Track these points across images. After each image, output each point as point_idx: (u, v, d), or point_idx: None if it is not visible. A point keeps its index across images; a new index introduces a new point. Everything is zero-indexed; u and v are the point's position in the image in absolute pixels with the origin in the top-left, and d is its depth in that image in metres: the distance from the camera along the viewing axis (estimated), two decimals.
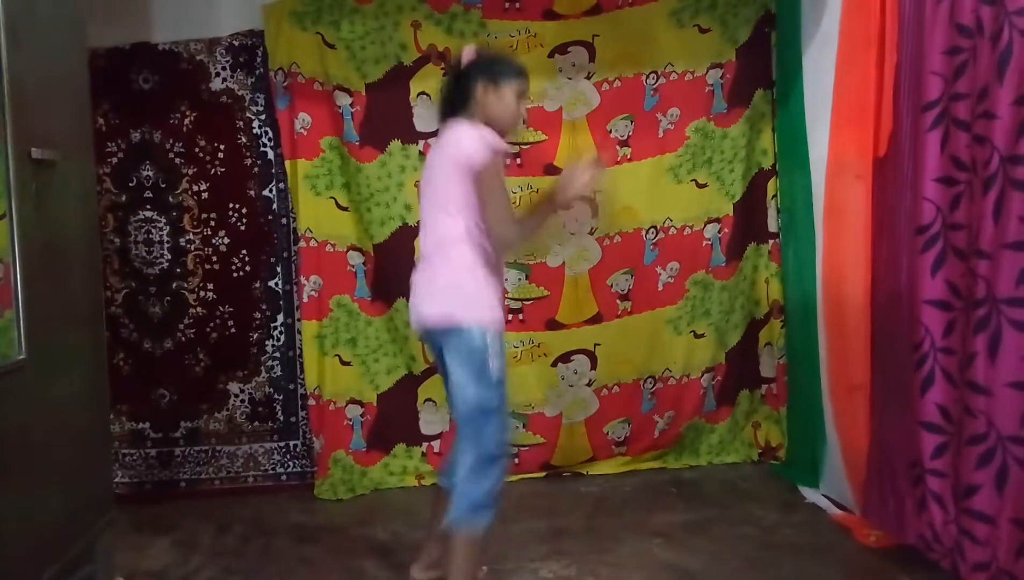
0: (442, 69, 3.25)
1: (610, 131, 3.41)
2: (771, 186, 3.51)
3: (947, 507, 2.35)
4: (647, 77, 3.41)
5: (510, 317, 3.37)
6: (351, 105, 3.31)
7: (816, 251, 3.15)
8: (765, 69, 3.45)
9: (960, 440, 2.26)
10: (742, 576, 2.52)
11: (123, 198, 3.33)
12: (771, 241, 3.54)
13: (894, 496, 2.56)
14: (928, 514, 2.39)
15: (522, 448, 3.46)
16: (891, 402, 2.57)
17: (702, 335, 3.55)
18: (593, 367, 3.49)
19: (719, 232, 3.51)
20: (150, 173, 3.34)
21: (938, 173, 2.33)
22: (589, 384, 3.50)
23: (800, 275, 3.27)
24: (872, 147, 2.63)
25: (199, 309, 3.39)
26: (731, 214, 3.50)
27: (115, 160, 3.32)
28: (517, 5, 3.35)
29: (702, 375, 3.57)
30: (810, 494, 3.14)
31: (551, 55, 3.36)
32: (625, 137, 3.42)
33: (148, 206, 3.35)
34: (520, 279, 3.41)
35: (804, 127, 3.20)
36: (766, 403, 3.62)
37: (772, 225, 3.53)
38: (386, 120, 3.33)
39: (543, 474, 3.49)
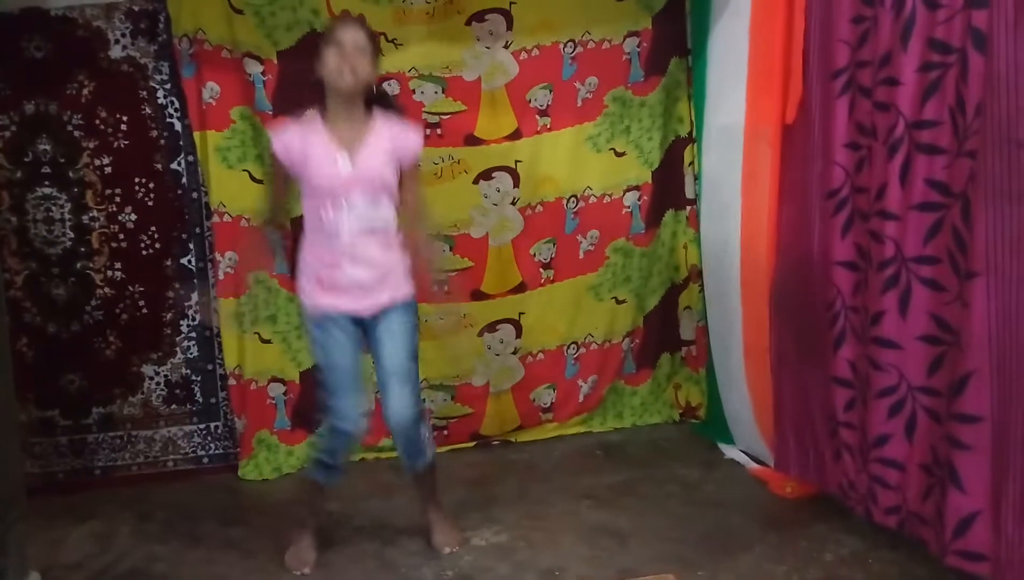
0: None
1: (529, 101, 3.40)
2: (687, 153, 3.57)
3: (857, 457, 2.48)
4: (565, 46, 3.40)
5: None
6: (262, 73, 3.19)
7: (701, 218, 3.28)
8: (681, 37, 3.48)
9: (869, 394, 2.38)
10: (669, 533, 2.61)
11: (18, 174, 3.14)
12: (688, 207, 3.60)
13: (814, 449, 2.68)
14: (842, 464, 2.52)
15: (451, 420, 3.46)
16: (806, 360, 2.68)
17: (623, 301, 3.61)
18: (519, 336, 3.51)
19: (638, 200, 3.56)
20: (47, 147, 3.15)
21: (847, 139, 2.43)
22: (515, 352, 3.52)
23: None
24: (781, 114, 2.71)
25: (107, 289, 3.24)
26: (650, 182, 3.55)
27: (8, 133, 3.12)
28: None
29: (623, 339, 3.64)
30: (729, 450, 3.26)
31: (468, 23, 3.31)
32: (544, 107, 3.42)
33: (47, 182, 3.16)
34: (444, 250, 3.39)
35: (704, 95, 3.26)
36: (686, 365, 3.71)
37: (689, 192, 3.60)
38: (300, 89, 3.21)
39: (472, 444, 3.51)
